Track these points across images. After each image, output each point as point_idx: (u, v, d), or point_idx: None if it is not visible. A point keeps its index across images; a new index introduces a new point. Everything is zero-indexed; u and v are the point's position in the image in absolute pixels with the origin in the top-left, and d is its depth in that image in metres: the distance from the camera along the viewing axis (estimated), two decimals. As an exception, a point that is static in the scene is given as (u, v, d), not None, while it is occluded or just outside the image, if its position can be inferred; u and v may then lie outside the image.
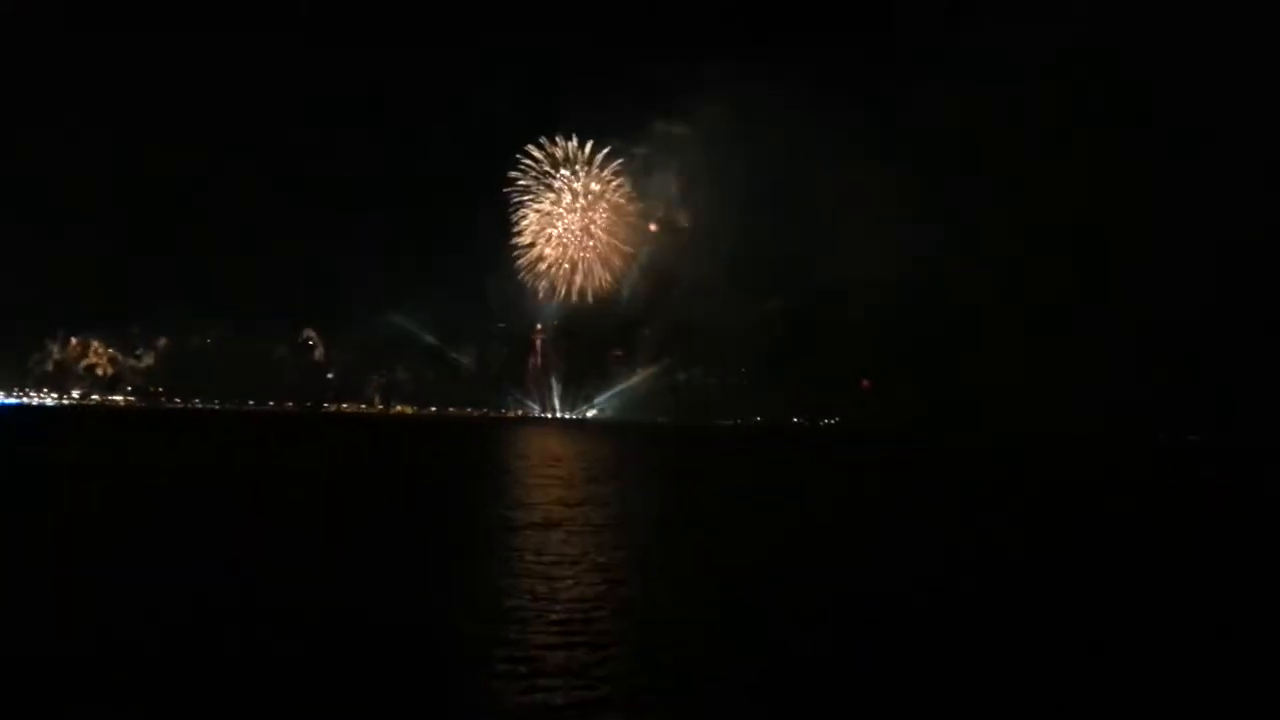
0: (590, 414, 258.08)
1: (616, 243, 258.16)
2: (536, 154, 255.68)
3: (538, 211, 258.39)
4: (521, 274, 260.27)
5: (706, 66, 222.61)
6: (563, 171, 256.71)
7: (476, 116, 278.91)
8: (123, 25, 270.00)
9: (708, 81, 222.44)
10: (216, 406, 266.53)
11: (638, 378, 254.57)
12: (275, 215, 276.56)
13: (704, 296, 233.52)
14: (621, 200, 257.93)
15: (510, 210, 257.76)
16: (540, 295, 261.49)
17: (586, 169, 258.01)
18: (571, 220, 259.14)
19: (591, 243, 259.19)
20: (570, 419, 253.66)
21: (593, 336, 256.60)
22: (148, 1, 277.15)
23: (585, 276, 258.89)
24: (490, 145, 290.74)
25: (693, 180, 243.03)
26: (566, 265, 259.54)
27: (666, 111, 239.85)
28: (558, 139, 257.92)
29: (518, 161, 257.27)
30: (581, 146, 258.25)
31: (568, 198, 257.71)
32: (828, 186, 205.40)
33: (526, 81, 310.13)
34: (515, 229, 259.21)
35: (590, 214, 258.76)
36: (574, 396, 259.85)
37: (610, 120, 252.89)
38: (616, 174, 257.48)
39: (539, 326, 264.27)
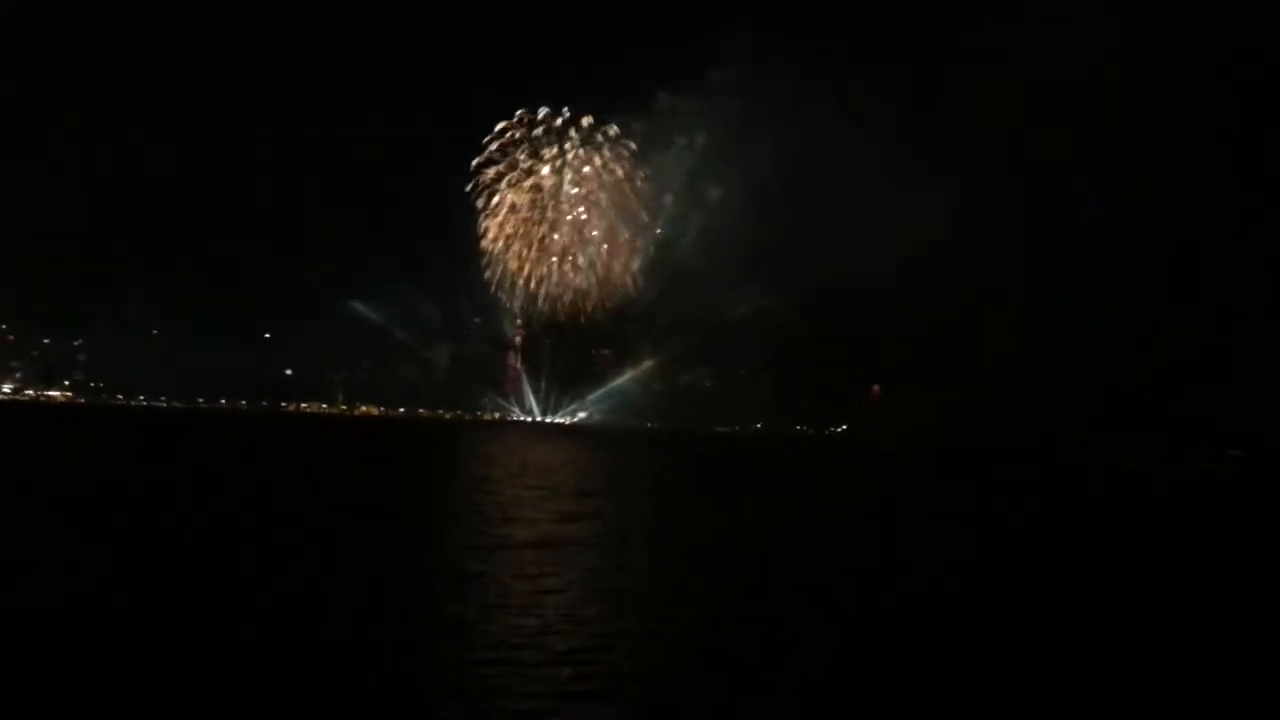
0: (575, 418, 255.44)
1: (616, 233, 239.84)
2: (516, 132, 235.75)
3: (514, 206, 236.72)
4: (494, 287, 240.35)
5: (717, 35, 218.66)
6: (545, 152, 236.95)
7: (453, 91, 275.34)
8: (86, 24, 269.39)
9: (717, 52, 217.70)
10: (164, 404, 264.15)
11: (626, 379, 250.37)
12: (231, 205, 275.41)
13: (705, 292, 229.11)
14: (622, 179, 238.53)
15: (479, 212, 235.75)
16: (518, 305, 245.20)
17: (582, 147, 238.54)
18: (559, 218, 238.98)
19: (589, 249, 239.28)
20: (552, 423, 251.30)
21: (578, 334, 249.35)
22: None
23: (576, 297, 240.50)
24: (471, 125, 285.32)
25: (698, 163, 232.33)
26: (553, 281, 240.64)
27: (672, 86, 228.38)
28: (542, 110, 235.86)
29: (485, 147, 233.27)
30: (575, 120, 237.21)
31: (550, 181, 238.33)
32: (842, 172, 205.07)
33: (511, 52, 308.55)
34: (482, 231, 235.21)
35: (588, 203, 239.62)
36: (556, 398, 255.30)
37: (608, 93, 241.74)
38: (616, 153, 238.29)
39: (519, 323, 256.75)
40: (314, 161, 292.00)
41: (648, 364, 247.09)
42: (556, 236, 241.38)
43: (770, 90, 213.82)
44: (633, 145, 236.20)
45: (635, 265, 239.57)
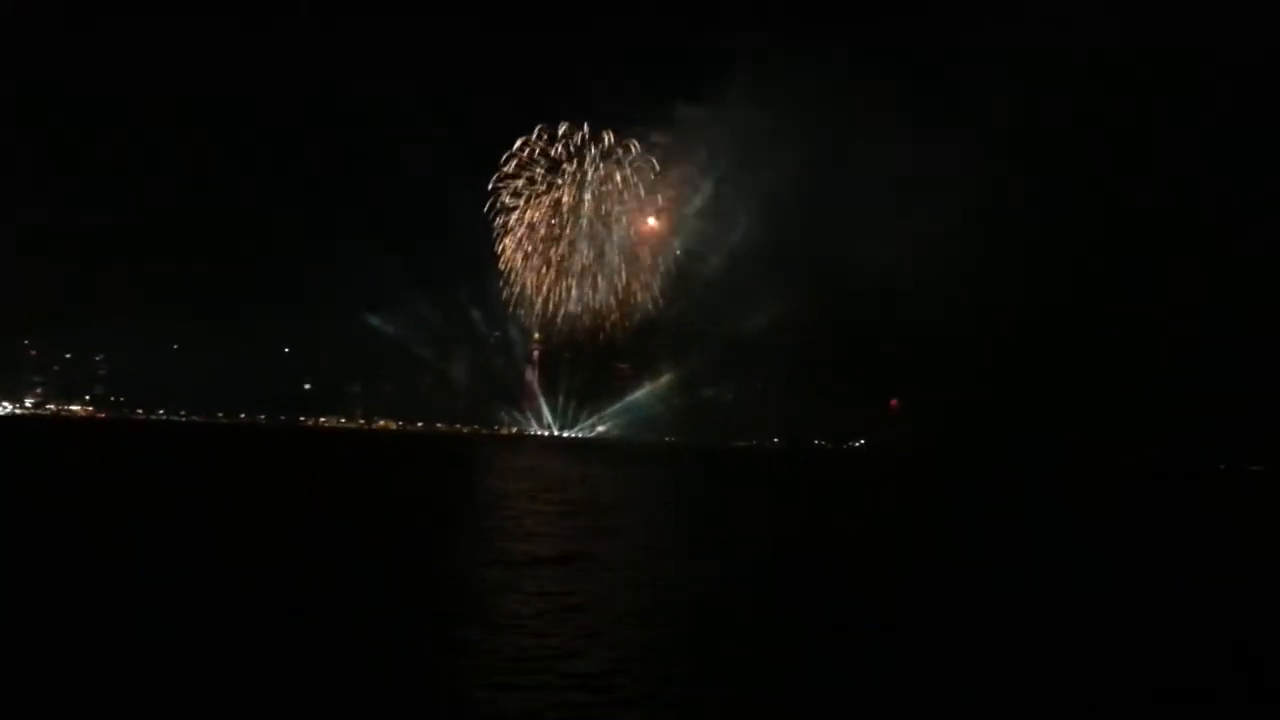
0: (592, 432, 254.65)
1: (636, 251, 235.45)
2: (535, 148, 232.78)
3: (532, 224, 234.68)
4: (512, 305, 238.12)
5: (735, 40, 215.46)
6: (565, 168, 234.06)
7: (469, 102, 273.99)
8: (87, 25, 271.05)
9: (736, 61, 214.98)
10: (183, 418, 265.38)
11: (644, 393, 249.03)
12: (246, 214, 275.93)
13: (725, 305, 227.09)
14: (643, 197, 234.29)
15: (496, 229, 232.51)
16: (535, 322, 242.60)
17: (602, 162, 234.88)
18: (577, 236, 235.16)
19: (608, 268, 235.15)
20: (570, 437, 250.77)
21: (596, 350, 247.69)
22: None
23: (594, 316, 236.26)
24: (486, 134, 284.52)
25: (717, 172, 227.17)
26: (572, 300, 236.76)
27: (689, 94, 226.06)
28: (562, 125, 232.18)
29: (499, 166, 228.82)
30: (596, 136, 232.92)
31: (569, 198, 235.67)
32: (861, 177, 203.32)
33: (527, 60, 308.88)
34: (499, 249, 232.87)
35: (608, 221, 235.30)
36: (573, 413, 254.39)
37: (625, 106, 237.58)
38: (637, 168, 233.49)
39: (537, 336, 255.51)
40: (326, 171, 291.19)
41: (666, 378, 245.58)
42: (576, 256, 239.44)
43: (787, 96, 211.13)
44: (654, 161, 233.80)
45: (656, 283, 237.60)
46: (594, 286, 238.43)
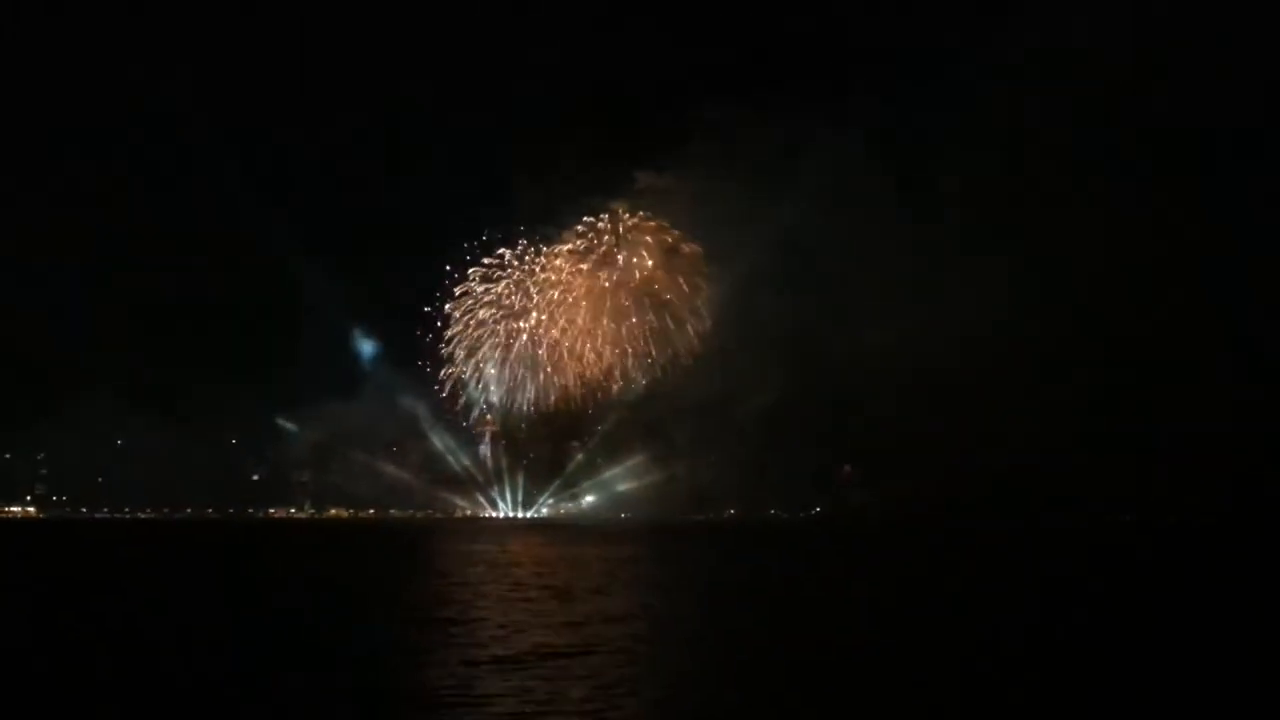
0: (552, 511, 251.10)
1: (596, 336, 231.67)
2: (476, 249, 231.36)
3: (487, 317, 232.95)
4: (467, 387, 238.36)
5: (695, 112, 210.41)
6: (505, 280, 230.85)
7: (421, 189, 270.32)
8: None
9: (697, 129, 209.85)
10: (127, 515, 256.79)
11: (604, 472, 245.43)
12: (192, 294, 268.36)
13: (692, 379, 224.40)
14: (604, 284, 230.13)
15: (447, 319, 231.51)
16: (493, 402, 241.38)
17: (540, 261, 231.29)
18: (538, 325, 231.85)
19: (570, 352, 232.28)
20: (526, 518, 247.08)
21: (550, 429, 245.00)
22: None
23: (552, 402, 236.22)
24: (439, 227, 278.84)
25: (679, 242, 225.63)
26: (528, 391, 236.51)
27: (652, 162, 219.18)
28: (504, 246, 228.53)
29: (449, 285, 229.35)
30: (537, 239, 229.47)
31: (526, 289, 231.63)
32: (832, 249, 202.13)
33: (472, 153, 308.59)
34: (449, 338, 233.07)
35: (570, 309, 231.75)
36: (529, 494, 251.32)
37: (582, 181, 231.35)
38: (578, 253, 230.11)
39: (489, 418, 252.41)
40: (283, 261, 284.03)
41: (623, 456, 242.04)
42: (534, 344, 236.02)
43: (756, 163, 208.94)
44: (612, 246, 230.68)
45: (620, 367, 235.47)
46: (556, 369, 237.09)
